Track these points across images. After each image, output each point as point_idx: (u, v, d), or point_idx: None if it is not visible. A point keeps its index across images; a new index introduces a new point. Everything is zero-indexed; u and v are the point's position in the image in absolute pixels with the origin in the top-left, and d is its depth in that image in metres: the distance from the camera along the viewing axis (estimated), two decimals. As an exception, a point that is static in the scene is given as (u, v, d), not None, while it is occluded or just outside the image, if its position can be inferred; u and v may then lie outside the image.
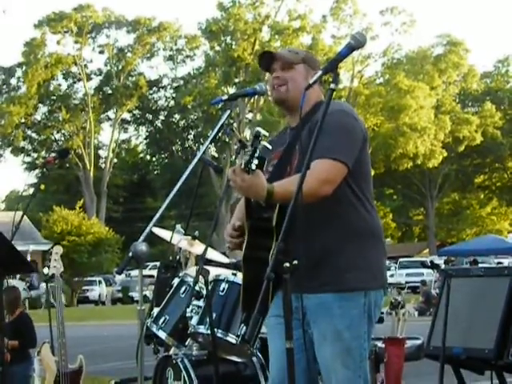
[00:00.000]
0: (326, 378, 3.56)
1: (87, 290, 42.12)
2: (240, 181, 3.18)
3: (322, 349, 3.51)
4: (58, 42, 56.65)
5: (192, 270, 5.20)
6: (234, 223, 3.63)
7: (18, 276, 30.96)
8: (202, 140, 57.37)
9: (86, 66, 58.36)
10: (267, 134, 3.24)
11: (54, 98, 57.55)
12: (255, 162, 3.13)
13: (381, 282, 3.60)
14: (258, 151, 3.13)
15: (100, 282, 43.24)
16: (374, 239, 3.59)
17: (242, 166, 3.14)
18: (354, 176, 3.48)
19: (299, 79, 3.57)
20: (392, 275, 35.90)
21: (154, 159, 66.87)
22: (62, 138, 58.95)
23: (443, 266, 9.68)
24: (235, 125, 50.18)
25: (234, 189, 3.31)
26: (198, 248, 5.27)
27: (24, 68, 55.52)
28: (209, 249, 4.12)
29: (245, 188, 3.22)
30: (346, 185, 3.48)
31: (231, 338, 4.03)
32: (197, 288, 4.40)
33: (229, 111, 3.78)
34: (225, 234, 3.63)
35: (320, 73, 3.09)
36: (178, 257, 5.84)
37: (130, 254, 3.46)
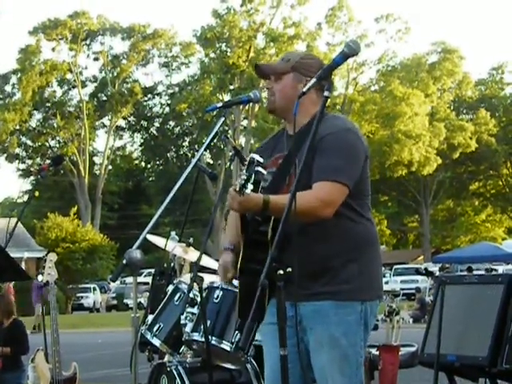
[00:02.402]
0: (321, 386, 3.55)
1: (82, 297, 42.00)
2: (236, 204, 3.31)
3: (318, 355, 3.51)
4: (53, 49, 56.79)
5: (186, 277, 5.20)
6: (232, 261, 3.65)
7: None
8: (196, 147, 57.34)
9: (80, 72, 58.43)
10: (262, 160, 3.28)
11: (49, 104, 57.54)
12: (250, 187, 3.21)
13: (377, 292, 3.63)
14: (253, 177, 3.19)
15: (94, 289, 43.12)
16: (371, 251, 3.60)
17: (237, 188, 3.18)
18: (351, 192, 3.48)
19: (286, 89, 3.60)
20: (387, 282, 35.91)
21: (148, 166, 66.81)
22: (57, 145, 58.93)
23: (437, 273, 9.69)
24: (230, 132, 50.22)
25: (231, 209, 3.48)
26: (193, 255, 5.27)
27: (19, 75, 55.52)
28: (203, 256, 4.12)
29: (240, 208, 3.36)
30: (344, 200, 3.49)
31: (225, 346, 4.02)
32: (191, 295, 4.39)
33: (223, 118, 3.79)
34: (221, 261, 3.72)
35: (313, 81, 3.09)
36: (172, 264, 5.83)
37: (124, 262, 3.46)
